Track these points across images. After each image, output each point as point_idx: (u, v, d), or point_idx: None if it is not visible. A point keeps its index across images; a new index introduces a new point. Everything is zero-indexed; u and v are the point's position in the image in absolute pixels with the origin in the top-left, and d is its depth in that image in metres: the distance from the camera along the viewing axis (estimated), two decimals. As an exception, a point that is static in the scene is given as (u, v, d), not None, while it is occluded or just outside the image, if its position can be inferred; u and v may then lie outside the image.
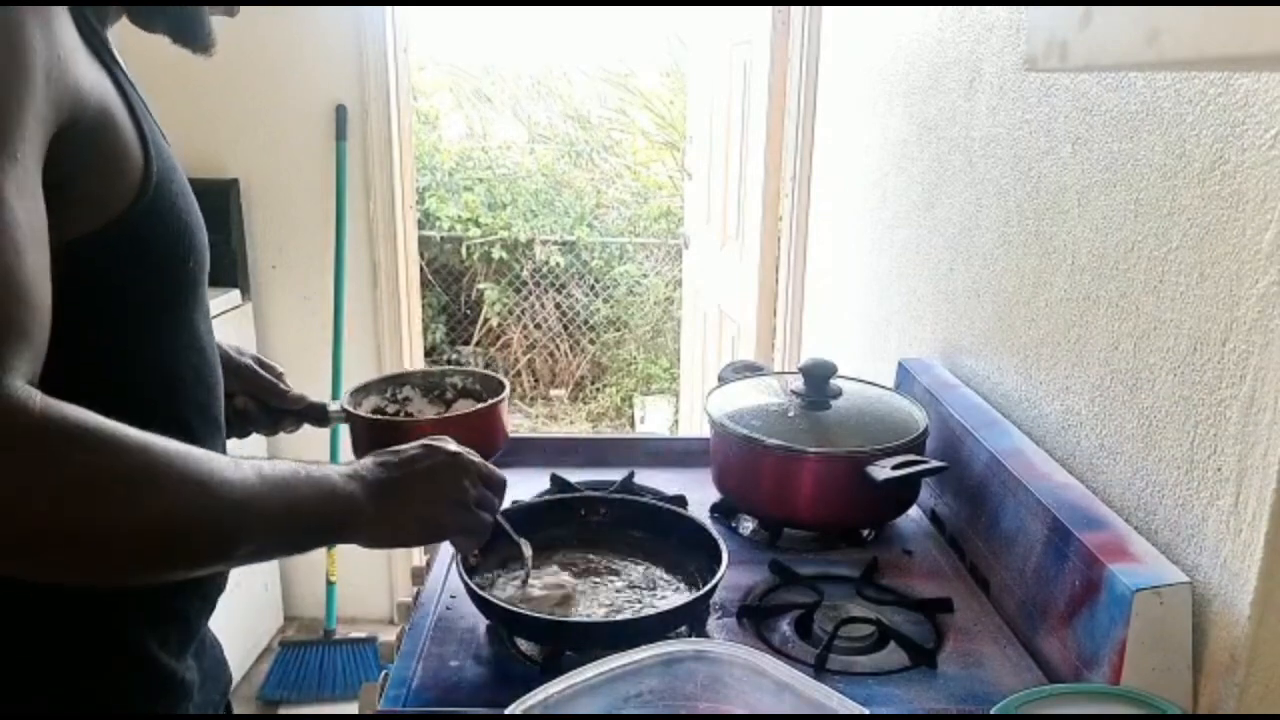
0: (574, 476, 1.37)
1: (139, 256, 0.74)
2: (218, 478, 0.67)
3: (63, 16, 0.66)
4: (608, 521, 1.18)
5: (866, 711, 0.77)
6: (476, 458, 0.90)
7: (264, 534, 0.72)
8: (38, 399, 0.59)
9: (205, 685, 0.91)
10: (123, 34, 0.83)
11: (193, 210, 0.80)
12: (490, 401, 1.20)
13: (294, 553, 0.80)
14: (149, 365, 0.79)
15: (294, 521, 0.75)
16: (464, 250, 5.18)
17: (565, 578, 1.07)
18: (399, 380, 1.34)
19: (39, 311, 0.62)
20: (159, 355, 0.80)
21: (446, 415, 1.07)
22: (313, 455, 2.74)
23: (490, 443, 1.14)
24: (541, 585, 1.04)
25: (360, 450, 1.14)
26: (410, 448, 0.86)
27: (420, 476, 0.84)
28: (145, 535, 0.64)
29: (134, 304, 0.76)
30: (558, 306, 5.39)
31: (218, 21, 0.85)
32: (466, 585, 1.01)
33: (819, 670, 0.98)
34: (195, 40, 0.83)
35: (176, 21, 0.82)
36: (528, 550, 1.03)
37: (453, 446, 0.89)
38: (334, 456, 2.73)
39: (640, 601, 1.06)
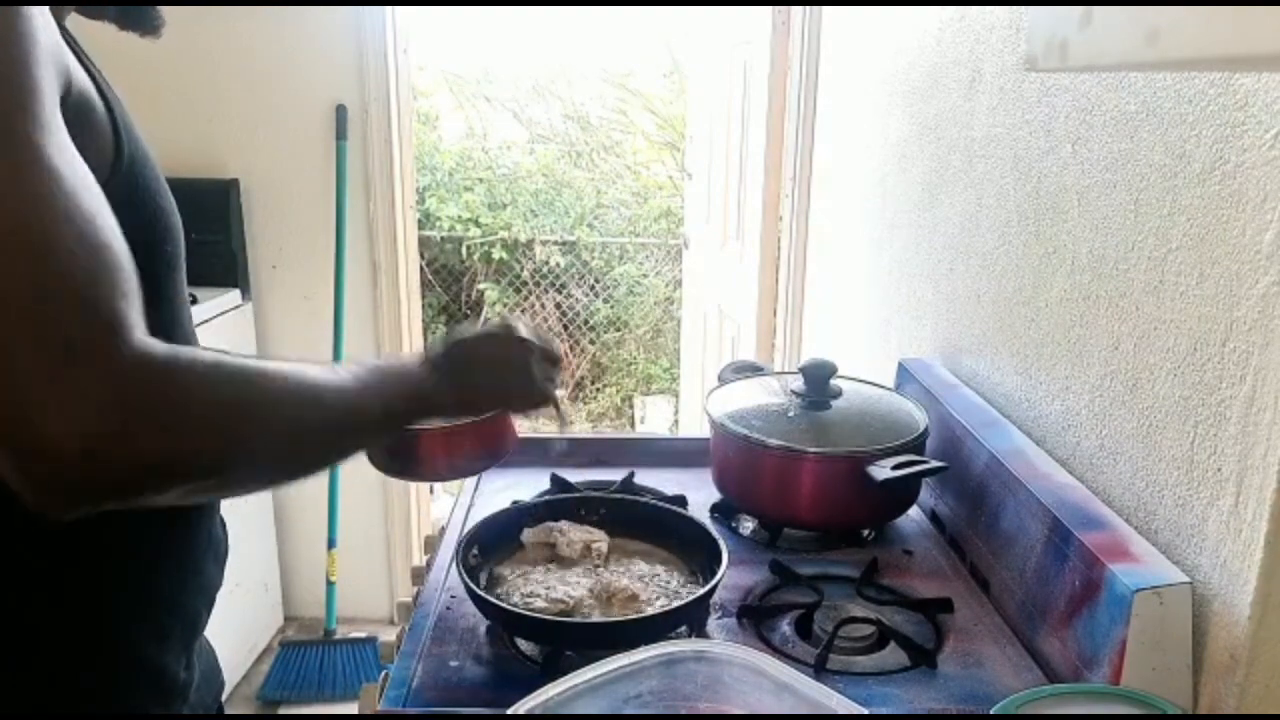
0: (574, 476, 1.37)
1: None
2: (322, 389, 0.75)
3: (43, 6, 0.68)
4: (608, 521, 1.19)
5: (866, 711, 0.77)
6: (540, 339, 0.99)
7: (361, 432, 0.83)
8: (160, 348, 0.61)
9: (200, 688, 0.90)
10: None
11: (166, 197, 0.81)
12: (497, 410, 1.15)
13: (379, 440, 0.97)
14: None
15: (388, 419, 0.85)
16: (464, 250, 5.17)
17: (569, 592, 1.07)
18: None
19: (126, 263, 0.63)
20: None
21: (455, 424, 1.06)
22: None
23: (500, 447, 1.12)
24: (545, 599, 1.04)
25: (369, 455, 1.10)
26: (482, 334, 0.96)
27: (492, 360, 0.95)
28: (274, 451, 0.72)
29: None
30: (558, 306, 5.38)
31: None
32: (466, 585, 1.01)
33: (819, 670, 0.98)
34: (143, 25, 0.84)
35: (123, 9, 0.83)
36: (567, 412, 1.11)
37: (522, 331, 0.97)
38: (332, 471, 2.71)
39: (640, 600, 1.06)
